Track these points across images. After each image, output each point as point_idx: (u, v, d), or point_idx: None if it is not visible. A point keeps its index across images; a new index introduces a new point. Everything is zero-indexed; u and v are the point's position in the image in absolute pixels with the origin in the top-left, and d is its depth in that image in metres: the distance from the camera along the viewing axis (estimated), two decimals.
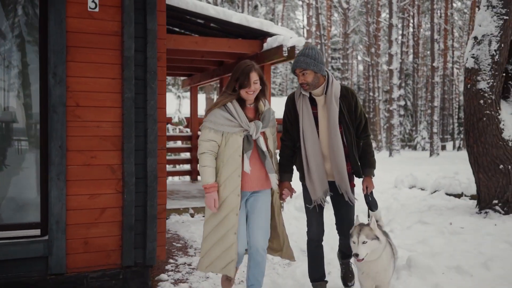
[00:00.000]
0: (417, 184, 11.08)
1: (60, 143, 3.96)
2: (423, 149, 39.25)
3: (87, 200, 4.10)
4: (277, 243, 3.99)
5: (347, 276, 4.30)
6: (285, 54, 7.54)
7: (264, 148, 3.74)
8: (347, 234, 3.81)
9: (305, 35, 43.64)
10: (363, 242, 3.45)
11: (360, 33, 46.61)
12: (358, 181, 4.03)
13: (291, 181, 4.02)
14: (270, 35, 8.03)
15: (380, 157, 24.27)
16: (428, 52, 40.52)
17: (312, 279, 4.08)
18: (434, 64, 27.71)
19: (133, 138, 4.17)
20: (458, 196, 8.95)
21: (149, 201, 4.25)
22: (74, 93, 4.03)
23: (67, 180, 4.01)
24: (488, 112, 7.14)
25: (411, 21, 44.04)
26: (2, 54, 4.21)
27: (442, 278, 4.25)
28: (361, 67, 56.46)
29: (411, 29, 44.59)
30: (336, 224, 4.09)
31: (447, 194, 9.10)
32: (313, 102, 3.89)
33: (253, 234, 3.77)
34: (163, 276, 4.60)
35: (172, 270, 4.86)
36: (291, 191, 3.99)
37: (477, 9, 9.89)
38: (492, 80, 7.14)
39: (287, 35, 7.74)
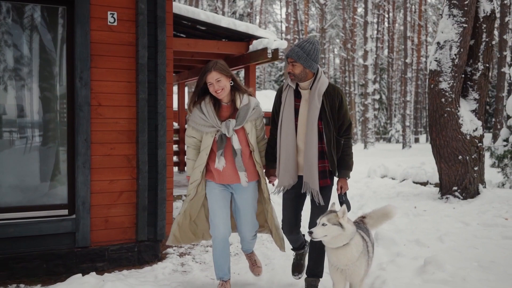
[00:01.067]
0: (388, 173, 12.06)
1: (86, 136, 4.70)
2: (397, 141, 40.55)
3: (107, 185, 4.85)
4: (269, 228, 4.25)
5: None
6: (269, 56, 8.32)
7: (237, 146, 3.82)
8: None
9: (283, 29, 44.43)
10: (323, 224, 3.46)
11: (337, 27, 47.56)
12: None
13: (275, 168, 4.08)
14: (255, 37, 8.78)
15: (355, 149, 25.31)
16: (403, 47, 41.78)
17: (293, 247, 4.22)
18: (407, 60, 28.82)
19: (146, 132, 4.92)
20: (424, 184, 9.94)
21: (159, 185, 5.01)
22: (97, 94, 4.76)
23: (91, 168, 4.75)
24: (448, 109, 8.08)
25: (386, 16, 45.16)
26: (32, 63, 4.90)
27: (403, 248, 5.13)
28: (337, 61, 57.52)
29: (386, 24, 45.72)
30: (310, 217, 4.00)
31: (414, 182, 10.08)
32: (298, 95, 3.92)
33: (242, 228, 4.07)
34: (170, 250, 5.39)
35: (176, 246, 5.65)
36: (276, 178, 4.09)
37: (440, 16, 10.86)
38: (452, 81, 8.08)
39: (271, 38, 8.53)
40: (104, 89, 4.81)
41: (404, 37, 28.97)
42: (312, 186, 3.80)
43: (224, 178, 3.90)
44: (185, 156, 3.96)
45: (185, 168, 12.11)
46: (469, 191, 8.16)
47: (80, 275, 4.29)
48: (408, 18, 29.98)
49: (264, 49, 8.38)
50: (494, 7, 8.32)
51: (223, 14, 28.00)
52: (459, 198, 8.14)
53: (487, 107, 31.98)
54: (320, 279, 4.03)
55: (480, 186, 8.26)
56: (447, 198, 8.19)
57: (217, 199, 3.92)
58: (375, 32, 34.00)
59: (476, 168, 8.20)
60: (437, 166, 8.50)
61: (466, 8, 8.00)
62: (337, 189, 3.95)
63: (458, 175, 8.14)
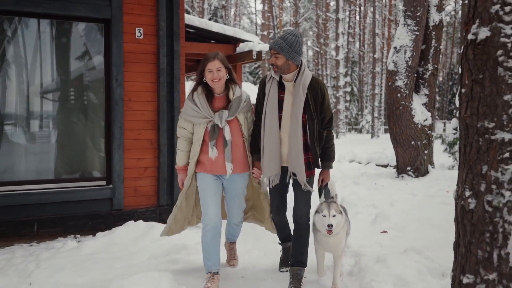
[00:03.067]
0: (356, 159, 13.72)
1: (120, 125, 6.11)
2: (368, 132, 42.42)
3: (135, 162, 6.27)
4: (261, 215, 4.35)
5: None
6: (254, 57, 9.79)
7: (228, 137, 3.87)
8: (300, 222, 3.94)
9: (257, 21, 45.74)
10: (334, 216, 3.64)
11: (311, 21, 49.08)
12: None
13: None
14: (242, 40, 10.24)
15: None
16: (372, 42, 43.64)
17: (281, 240, 4.38)
18: (376, 56, 30.62)
19: (165, 121, 6.35)
20: (385, 166, 11.62)
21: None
22: (128, 92, 6.18)
23: (124, 149, 6.16)
24: (403, 103, 9.72)
25: (358, 10, 46.85)
26: (80, 68, 6.28)
27: (361, 209, 6.72)
28: (310, 53, 59.14)
29: (358, 18, 47.41)
30: (293, 207, 4.03)
31: (376, 165, 11.77)
32: (281, 87, 3.92)
33: (230, 214, 4.23)
34: None
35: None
36: (261, 171, 4.09)
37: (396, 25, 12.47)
38: (406, 79, 9.71)
39: (255, 42, 10.01)
40: (133, 88, 6.22)
41: (373, 33, 30.75)
42: (300, 178, 3.82)
43: (216, 168, 3.93)
44: (176, 147, 4.12)
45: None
46: (420, 171, 9.84)
47: (132, 221, 5.73)
48: (378, 16, 31.73)
49: (249, 51, 9.84)
50: (442, 17, 9.97)
51: (203, 10, 29.21)
52: (412, 176, 9.81)
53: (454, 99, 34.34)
54: (305, 268, 3.99)
55: (430, 167, 9.95)
56: (402, 176, 9.86)
57: (209, 188, 3.93)
58: (347, 27, 35.67)
59: (426, 152, 9.88)
60: (394, 150, 10.15)
61: (418, 19, 9.62)
62: (318, 181, 4.01)
63: (411, 158, 9.81)
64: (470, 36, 2.24)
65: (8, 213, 5.54)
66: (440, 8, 9.89)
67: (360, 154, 14.36)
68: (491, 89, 2.15)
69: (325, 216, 3.66)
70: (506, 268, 2.17)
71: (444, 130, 22.70)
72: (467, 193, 2.28)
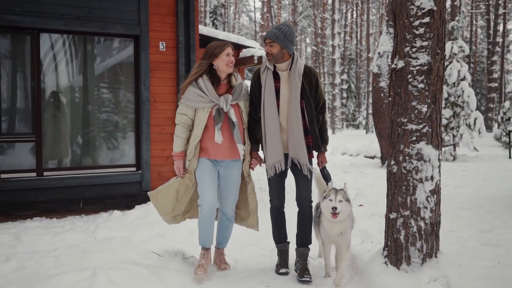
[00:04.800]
0: (348, 151, 15.12)
1: (147, 121, 7.49)
2: (364, 127, 43.81)
3: (160, 152, 7.64)
4: (245, 212, 4.30)
5: (302, 272, 4.03)
6: (255, 61, 11.15)
7: (235, 119, 3.93)
8: (303, 203, 4.09)
9: (257, 17, 46.96)
10: (340, 201, 3.70)
11: (309, 18, 50.33)
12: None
13: (258, 150, 4.23)
14: (244, 47, 11.59)
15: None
16: (367, 43, 44.95)
17: (276, 241, 4.29)
18: (370, 55, 31.97)
19: None
20: (372, 157, 13.04)
21: None
22: (153, 94, 7.55)
23: (150, 141, 7.54)
24: (386, 101, 11.11)
25: (355, 9, 48.08)
26: (114, 75, 7.65)
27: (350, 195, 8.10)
28: (309, 50, 60.36)
29: (354, 16, 48.59)
30: (295, 194, 4.14)
31: (365, 156, 13.18)
32: (276, 76, 4.01)
33: (224, 203, 4.13)
34: None
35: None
36: (259, 160, 4.21)
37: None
38: (388, 81, 11.09)
39: (256, 48, 11.37)
40: (157, 91, 7.60)
41: (367, 34, 32.09)
42: (303, 161, 3.93)
43: (219, 153, 3.99)
44: (174, 134, 4.17)
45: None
46: None
47: None
48: (374, 15, 33.03)
49: (251, 56, 11.20)
50: None
51: (205, 12, 30.50)
52: None
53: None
54: (309, 247, 4.19)
55: None
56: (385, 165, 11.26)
57: (207, 172, 3.98)
58: (343, 25, 37.04)
59: None
60: (379, 143, 11.55)
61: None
62: (318, 164, 4.16)
63: None
64: (393, 66, 3.63)
65: (60, 193, 6.92)
66: None
67: (352, 147, 15.76)
68: (405, 98, 3.54)
69: (331, 201, 3.70)
70: (415, 207, 3.56)
71: None
72: (392, 162, 3.67)
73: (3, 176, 6.67)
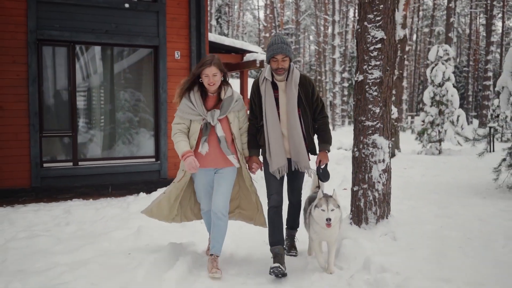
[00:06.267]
0: (343, 146, 16.44)
1: (165, 119, 8.81)
2: None
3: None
4: (252, 211, 4.51)
5: (289, 248, 4.67)
6: (258, 65, 12.41)
7: (220, 134, 4.07)
8: (294, 200, 4.51)
9: (260, 16, 48.08)
10: (332, 210, 3.86)
11: (313, 16, 51.44)
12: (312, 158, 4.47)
13: (258, 155, 4.35)
14: (248, 51, 12.88)
15: None
16: None
17: (271, 243, 4.24)
18: None
19: None
20: None
21: None
22: (170, 96, 8.85)
23: (168, 136, 8.85)
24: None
25: (357, 8, 49.06)
26: (137, 80, 8.98)
27: (334, 178, 9.39)
28: (313, 47, 61.47)
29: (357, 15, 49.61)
30: (287, 192, 4.45)
31: None
32: (275, 86, 4.18)
33: (214, 200, 4.17)
34: None
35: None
36: (259, 164, 4.35)
37: None
38: None
39: (259, 52, 12.66)
40: (173, 93, 8.82)
41: None
42: (305, 164, 4.21)
43: (207, 162, 4.14)
44: (174, 145, 4.25)
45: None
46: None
47: None
48: None
49: (254, 60, 12.47)
50: (405, 33, 12.61)
51: (211, 14, 31.75)
52: None
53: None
54: (297, 229, 4.72)
55: (396, 151, 12.63)
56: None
57: (202, 183, 4.25)
58: (344, 27, 38.28)
59: (393, 139, 12.56)
60: None
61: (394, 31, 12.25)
62: (316, 162, 4.31)
63: None
64: (355, 79, 4.95)
65: (92, 179, 8.27)
66: (404, 25, 12.53)
67: (347, 142, 17.04)
68: (363, 103, 4.85)
69: (324, 211, 3.88)
70: (371, 182, 4.86)
71: (412, 122, 25.41)
72: (355, 149, 4.98)
73: (45, 165, 8.02)
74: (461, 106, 46.62)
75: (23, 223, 5.75)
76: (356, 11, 49.34)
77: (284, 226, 4.53)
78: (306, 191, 5.30)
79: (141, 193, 8.24)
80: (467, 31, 47.79)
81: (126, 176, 8.57)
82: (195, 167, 3.99)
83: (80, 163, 8.31)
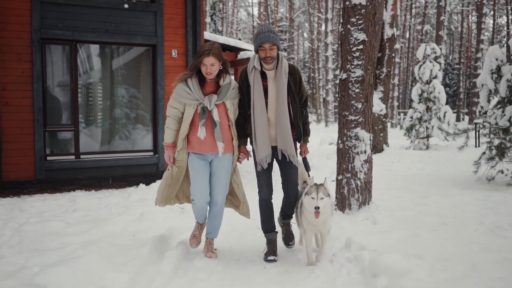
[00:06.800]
0: (334, 142, 16.88)
1: (162, 114, 9.23)
2: None
3: None
4: (237, 201, 4.60)
5: (287, 236, 4.63)
6: None
7: (216, 118, 4.11)
8: (290, 192, 4.41)
9: (254, 12, 48.46)
10: (321, 198, 3.91)
11: (306, 13, 51.87)
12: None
13: (246, 145, 4.43)
14: (242, 49, 13.32)
15: (319, 127, 30.26)
16: None
17: (265, 230, 4.53)
18: None
19: None
20: None
21: None
22: (167, 92, 9.28)
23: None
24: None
25: None
26: (136, 76, 9.40)
27: (324, 170, 9.88)
28: (307, 44, 61.92)
29: None
30: (282, 183, 4.43)
31: None
32: (263, 76, 4.21)
33: (213, 192, 4.31)
34: None
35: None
36: (247, 154, 4.44)
37: None
38: None
39: (252, 50, 13.10)
40: (170, 90, 9.28)
41: None
42: (291, 152, 4.23)
43: (204, 147, 4.18)
44: (165, 125, 4.37)
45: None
46: (377, 149, 13.01)
47: None
48: None
49: (248, 58, 12.92)
50: (394, 32, 13.09)
51: (205, 12, 32.11)
52: (374, 153, 12.97)
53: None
54: (291, 218, 4.60)
55: (385, 146, 13.12)
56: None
57: (198, 169, 4.22)
58: (336, 25, 38.67)
59: (381, 135, 13.05)
60: None
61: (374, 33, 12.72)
62: (300, 153, 4.43)
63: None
64: (339, 77, 5.41)
65: (93, 172, 8.70)
66: (392, 25, 13.01)
67: None
68: (347, 99, 5.31)
69: (313, 199, 3.93)
70: (353, 171, 5.33)
71: (404, 118, 25.94)
72: (339, 142, 5.45)
73: (49, 158, 8.44)
74: (453, 103, 47.38)
75: (33, 211, 6.19)
76: None
77: (277, 216, 4.69)
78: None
79: (141, 184, 8.70)
80: (459, 28, 48.43)
81: (125, 169, 8.99)
82: (168, 161, 4.29)
83: (82, 156, 8.73)
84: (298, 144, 4.41)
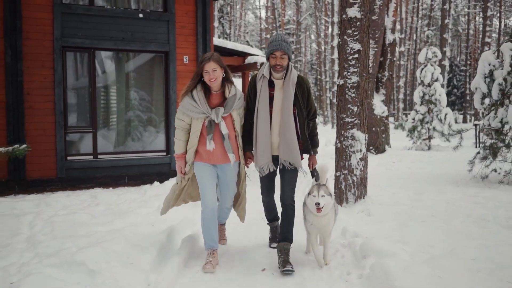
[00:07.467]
0: None
1: (174, 116, 9.75)
2: None
3: None
4: (236, 202, 4.79)
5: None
6: (258, 67, 13.42)
7: (225, 131, 4.15)
8: (286, 198, 4.32)
9: (262, 15, 49.00)
10: (322, 196, 3.98)
11: (314, 15, 52.33)
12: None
13: (252, 150, 4.46)
14: (249, 54, 13.88)
15: (326, 128, 30.74)
16: None
17: (268, 220, 4.89)
18: None
19: None
20: None
21: None
22: (179, 96, 9.84)
23: None
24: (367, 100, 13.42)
25: None
26: (150, 81, 10.00)
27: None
28: (314, 45, 62.36)
29: None
30: (280, 191, 4.37)
31: None
32: (271, 84, 4.25)
33: (223, 198, 4.57)
34: None
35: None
36: (252, 159, 4.47)
37: None
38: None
39: (259, 55, 13.67)
40: None
41: None
42: (297, 164, 4.22)
43: (213, 159, 4.25)
44: (175, 137, 4.40)
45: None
46: (379, 149, 13.54)
47: None
48: None
49: (255, 62, 13.48)
50: (395, 37, 13.61)
51: (213, 16, 32.73)
52: (373, 153, 13.50)
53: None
54: (291, 244, 4.35)
55: (386, 146, 13.64)
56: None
57: (206, 176, 4.25)
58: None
59: (383, 136, 13.57)
60: None
61: (376, 39, 13.27)
62: (309, 165, 4.47)
63: (372, 140, 13.50)
64: (337, 83, 5.97)
65: (110, 171, 9.30)
66: (393, 30, 13.54)
67: None
68: (344, 103, 5.87)
69: (314, 197, 4.01)
70: (350, 168, 5.88)
71: (406, 120, 26.45)
72: (337, 141, 6.01)
73: (69, 158, 9.06)
74: (460, 104, 47.65)
75: (58, 205, 6.80)
76: None
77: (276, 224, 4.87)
78: (302, 192, 6.21)
79: (155, 182, 9.30)
80: (466, 30, 48.73)
81: (140, 168, 9.59)
82: (179, 172, 4.38)
83: (99, 156, 9.33)
84: (305, 156, 4.46)
